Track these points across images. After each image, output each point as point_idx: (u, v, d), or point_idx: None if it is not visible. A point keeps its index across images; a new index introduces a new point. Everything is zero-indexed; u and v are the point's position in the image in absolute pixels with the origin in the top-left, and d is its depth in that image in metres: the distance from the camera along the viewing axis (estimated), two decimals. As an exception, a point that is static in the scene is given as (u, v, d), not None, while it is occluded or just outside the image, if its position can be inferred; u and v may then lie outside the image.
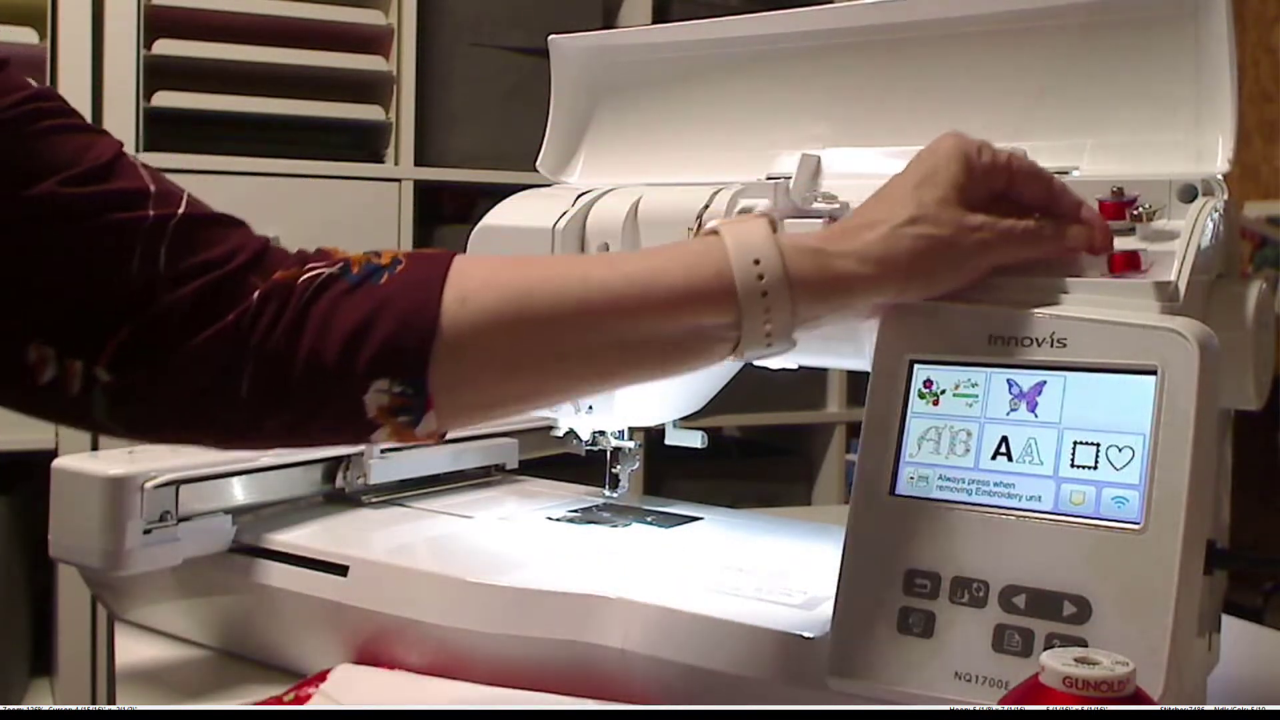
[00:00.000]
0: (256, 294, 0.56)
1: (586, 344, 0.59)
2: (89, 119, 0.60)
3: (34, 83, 0.56)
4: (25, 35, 1.58)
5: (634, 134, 0.89)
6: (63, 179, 0.54)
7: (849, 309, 0.61)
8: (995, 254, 0.61)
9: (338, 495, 0.90)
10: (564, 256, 0.67)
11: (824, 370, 2.16)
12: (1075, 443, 0.57)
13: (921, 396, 0.61)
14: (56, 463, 0.79)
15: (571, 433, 0.91)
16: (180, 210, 0.56)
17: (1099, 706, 0.41)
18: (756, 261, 0.58)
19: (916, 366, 0.61)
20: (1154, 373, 0.56)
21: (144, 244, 0.55)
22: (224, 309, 0.55)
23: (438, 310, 0.57)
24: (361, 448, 0.89)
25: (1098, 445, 0.56)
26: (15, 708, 0.55)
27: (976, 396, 0.60)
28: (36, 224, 0.53)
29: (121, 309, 0.54)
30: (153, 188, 0.57)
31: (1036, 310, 0.59)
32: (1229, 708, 0.46)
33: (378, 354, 0.56)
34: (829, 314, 0.60)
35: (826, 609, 0.61)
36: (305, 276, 0.57)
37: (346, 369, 0.56)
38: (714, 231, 0.60)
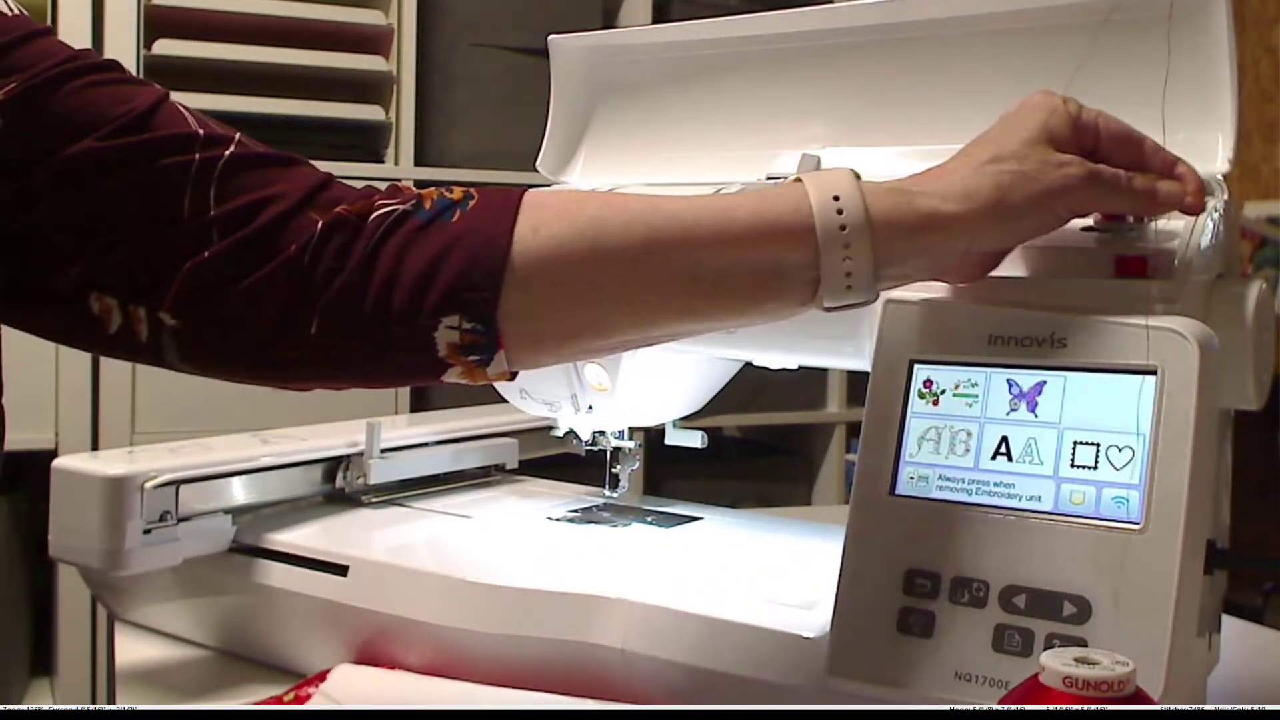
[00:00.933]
0: (320, 225, 0.55)
1: (657, 275, 0.57)
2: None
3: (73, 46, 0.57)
4: (25, 35, 1.58)
5: (634, 134, 0.89)
6: (102, 133, 0.54)
7: (933, 252, 0.58)
8: (1082, 195, 0.58)
9: (338, 495, 0.90)
10: (640, 193, 0.66)
11: (824, 370, 2.16)
12: (1075, 443, 0.57)
13: (921, 396, 0.61)
14: (56, 463, 0.79)
15: (571, 433, 0.91)
16: (229, 151, 0.56)
17: (1099, 706, 0.41)
18: (836, 198, 0.56)
19: (916, 366, 0.61)
20: (1154, 373, 0.56)
21: (193, 187, 0.55)
22: (285, 243, 0.55)
23: (509, 241, 0.56)
24: (361, 448, 0.89)
25: (1098, 445, 0.56)
26: (15, 708, 0.55)
27: (976, 396, 0.60)
28: (81, 179, 0.54)
29: (177, 253, 0.54)
30: (201, 131, 0.56)
31: (1036, 310, 0.59)
32: (1229, 708, 0.46)
33: (449, 288, 0.55)
34: (913, 257, 0.58)
35: (826, 609, 0.61)
36: (377, 214, 0.56)
37: (417, 305, 0.55)
38: (797, 180, 0.59)
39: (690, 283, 0.57)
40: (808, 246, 0.56)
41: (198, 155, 0.55)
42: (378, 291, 0.55)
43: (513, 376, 0.60)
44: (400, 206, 0.57)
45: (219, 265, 0.55)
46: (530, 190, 0.59)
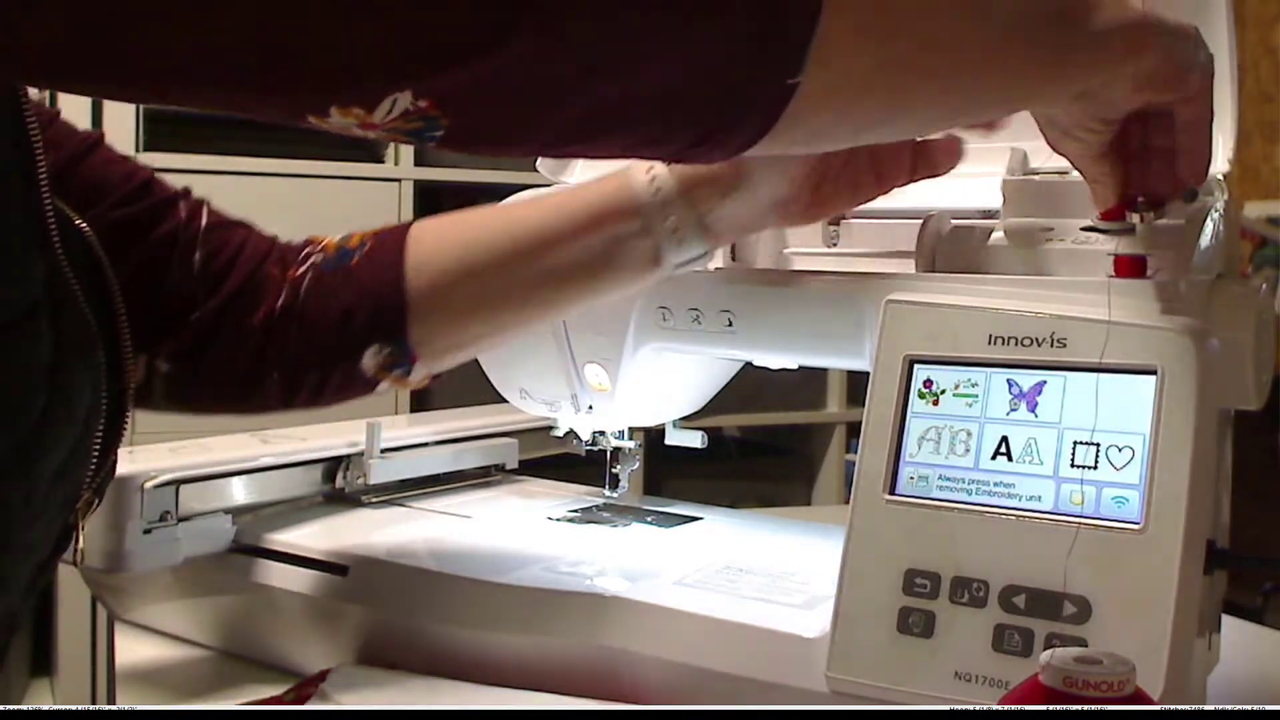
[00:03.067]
0: (279, 304, 0.69)
1: (526, 278, 0.69)
2: (89, 118, 0.70)
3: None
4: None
5: (634, 134, 0.89)
6: (112, 202, 0.64)
7: (743, 199, 0.68)
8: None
9: (338, 495, 0.90)
10: (499, 207, 0.74)
11: (824, 370, 2.16)
12: (1075, 443, 0.57)
13: (921, 396, 0.61)
14: (56, 463, 0.78)
15: (571, 433, 0.91)
16: (204, 221, 0.69)
17: (1099, 706, 0.41)
18: (649, 170, 0.68)
19: (916, 366, 0.61)
20: (1154, 373, 0.56)
21: (180, 252, 0.67)
22: (254, 304, 0.68)
23: (402, 281, 0.69)
24: (362, 448, 0.89)
25: (1098, 445, 0.56)
26: (15, 708, 0.55)
27: (976, 396, 0.60)
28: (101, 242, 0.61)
29: (171, 312, 0.66)
30: (181, 197, 0.69)
31: (1036, 310, 0.59)
32: (1229, 708, 0.46)
33: (364, 329, 0.69)
34: (729, 204, 0.68)
35: (826, 609, 0.61)
36: (299, 272, 0.70)
37: (343, 346, 0.69)
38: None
39: (554, 274, 0.69)
40: (636, 218, 0.68)
41: (182, 214, 0.68)
42: (312, 341, 0.69)
43: (435, 378, 0.73)
44: (313, 258, 0.71)
45: (207, 321, 0.67)
46: (413, 225, 0.71)
